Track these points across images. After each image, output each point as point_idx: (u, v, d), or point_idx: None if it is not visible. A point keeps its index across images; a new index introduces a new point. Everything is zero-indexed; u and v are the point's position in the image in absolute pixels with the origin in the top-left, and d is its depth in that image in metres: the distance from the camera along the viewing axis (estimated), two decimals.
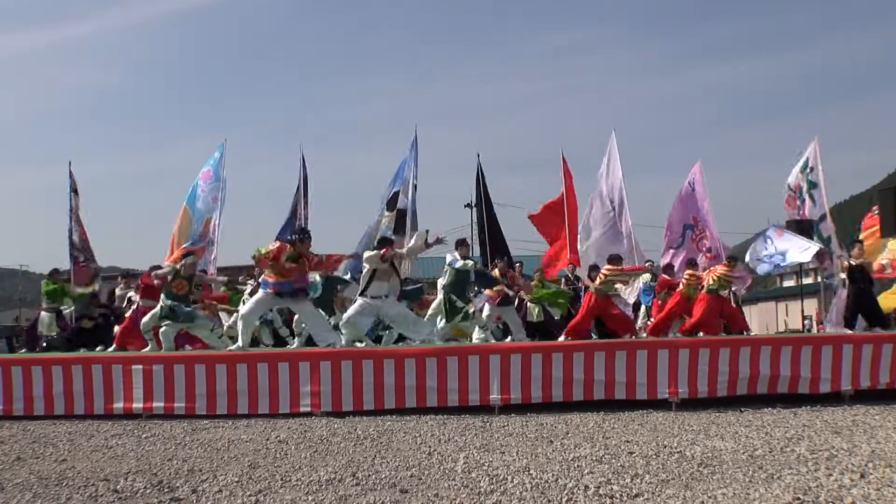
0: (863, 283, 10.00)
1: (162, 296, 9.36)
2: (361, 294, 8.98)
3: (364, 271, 9.14)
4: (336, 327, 9.58)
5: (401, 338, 10.43)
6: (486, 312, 10.89)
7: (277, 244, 8.69)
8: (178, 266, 9.49)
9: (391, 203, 13.72)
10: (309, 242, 8.79)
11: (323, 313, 9.58)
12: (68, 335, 11.48)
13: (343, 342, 8.65)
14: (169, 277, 9.30)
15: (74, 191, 13.17)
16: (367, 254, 9.18)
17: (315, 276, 10.09)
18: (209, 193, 13.81)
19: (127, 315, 10.83)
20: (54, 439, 6.75)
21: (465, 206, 31.94)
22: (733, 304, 11.60)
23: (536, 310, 12.24)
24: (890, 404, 7.70)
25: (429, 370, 7.82)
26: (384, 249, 8.83)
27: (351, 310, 9.14)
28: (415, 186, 13.54)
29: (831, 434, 6.19)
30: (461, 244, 10.07)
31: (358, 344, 9.30)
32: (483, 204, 14.66)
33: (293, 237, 9.12)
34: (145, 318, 9.65)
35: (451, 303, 9.78)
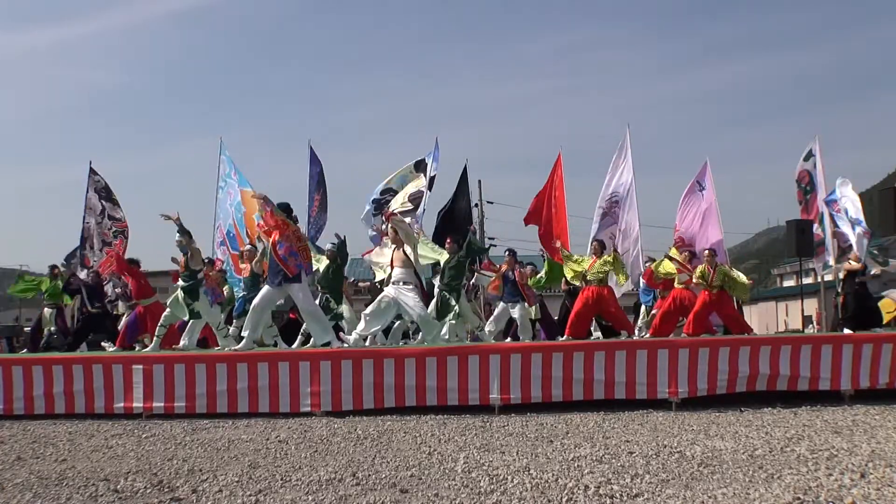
0: (858, 284, 10.00)
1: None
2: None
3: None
4: (336, 317, 9.56)
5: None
6: (498, 310, 10.97)
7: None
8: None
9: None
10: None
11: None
12: (68, 334, 11.47)
13: (351, 340, 8.61)
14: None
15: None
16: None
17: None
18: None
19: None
20: (54, 439, 6.76)
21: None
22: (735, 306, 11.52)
23: (534, 307, 12.23)
24: (890, 404, 7.71)
25: (429, 370, 7.82)
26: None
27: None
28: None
29: (831, 434, 6.19)
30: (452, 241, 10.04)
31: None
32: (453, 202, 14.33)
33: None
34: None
35: (443, 301, 9.79)
